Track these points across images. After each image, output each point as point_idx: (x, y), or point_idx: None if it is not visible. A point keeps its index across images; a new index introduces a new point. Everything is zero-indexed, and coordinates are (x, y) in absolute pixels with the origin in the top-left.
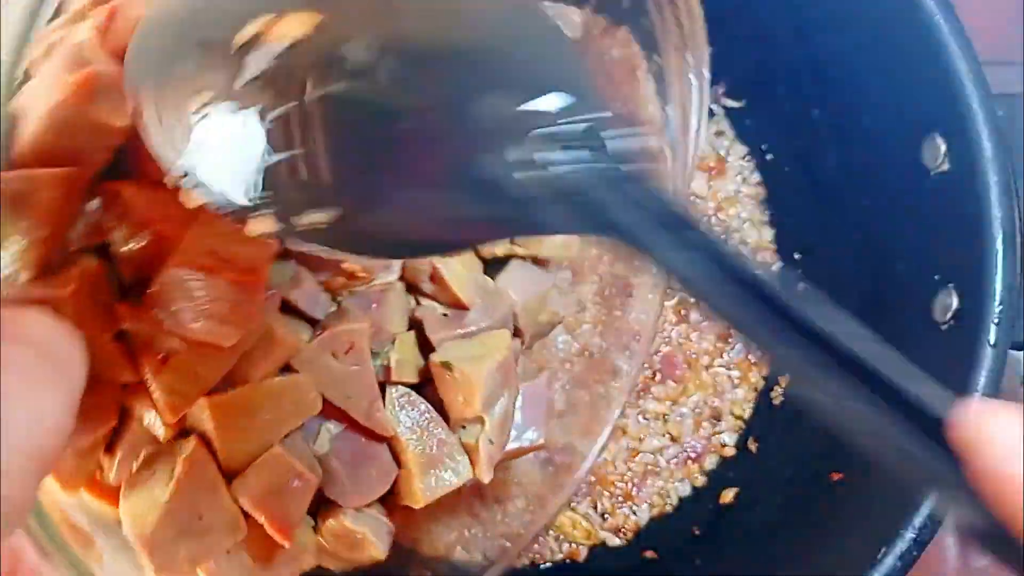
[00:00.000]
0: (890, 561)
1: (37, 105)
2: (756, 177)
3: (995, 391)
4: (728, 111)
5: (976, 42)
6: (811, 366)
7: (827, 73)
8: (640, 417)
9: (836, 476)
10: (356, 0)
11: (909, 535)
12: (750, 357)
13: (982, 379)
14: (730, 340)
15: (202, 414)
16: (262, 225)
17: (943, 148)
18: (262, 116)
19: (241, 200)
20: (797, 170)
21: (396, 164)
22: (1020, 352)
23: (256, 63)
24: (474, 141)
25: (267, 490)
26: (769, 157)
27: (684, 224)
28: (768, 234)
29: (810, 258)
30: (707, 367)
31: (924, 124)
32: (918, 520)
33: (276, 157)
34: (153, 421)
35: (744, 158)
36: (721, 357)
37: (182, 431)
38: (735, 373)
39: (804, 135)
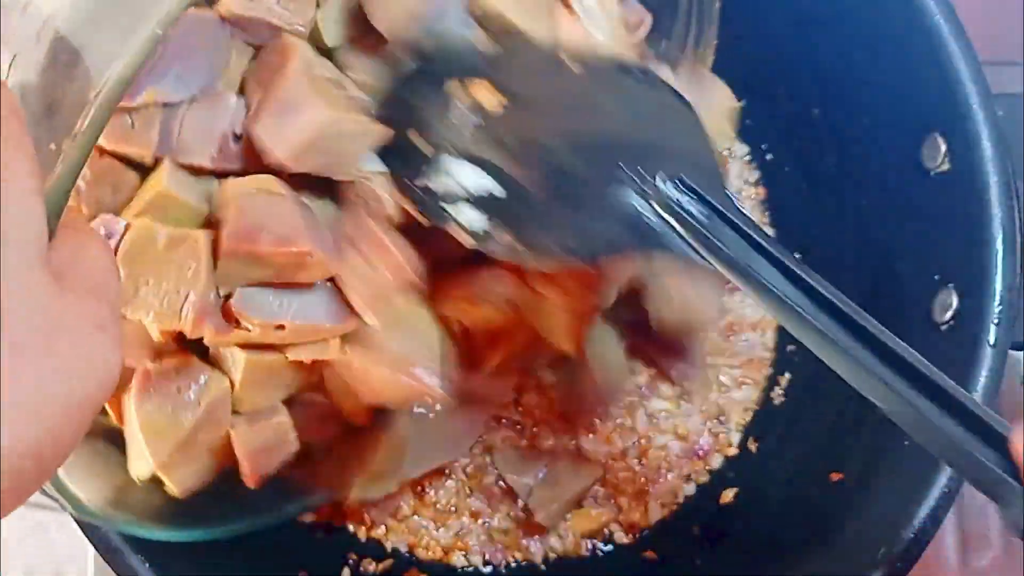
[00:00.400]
0: (890, 561)
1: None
2: (756, 177)
3: (995, 391)
4: None
5: (976, 42)
6: (900, 391)
7: (827, 73)
8: (647, 416)
9: (836, 476)
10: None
11: (909, 535)
12: (753, 356)
13: (982, 379)
14: (730, 338)
15: (234, 364)
16: (464, 237)
17: (943, 148)
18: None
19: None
20: (797, 170)
21: (570, 200)
22: (1020, 352)
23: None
24: (625, 187)
25: (261, 447)
26: (769, 157)
27: (794, 266)
28: (768, 234)
29: (810, 258)
30: (709, 366)
31: (924, 124)
32: (918, 520)
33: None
34: (150, 325)
35: (744, 158)
36: (723, 356)
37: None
38: (737, 372)
39: (804, 135)
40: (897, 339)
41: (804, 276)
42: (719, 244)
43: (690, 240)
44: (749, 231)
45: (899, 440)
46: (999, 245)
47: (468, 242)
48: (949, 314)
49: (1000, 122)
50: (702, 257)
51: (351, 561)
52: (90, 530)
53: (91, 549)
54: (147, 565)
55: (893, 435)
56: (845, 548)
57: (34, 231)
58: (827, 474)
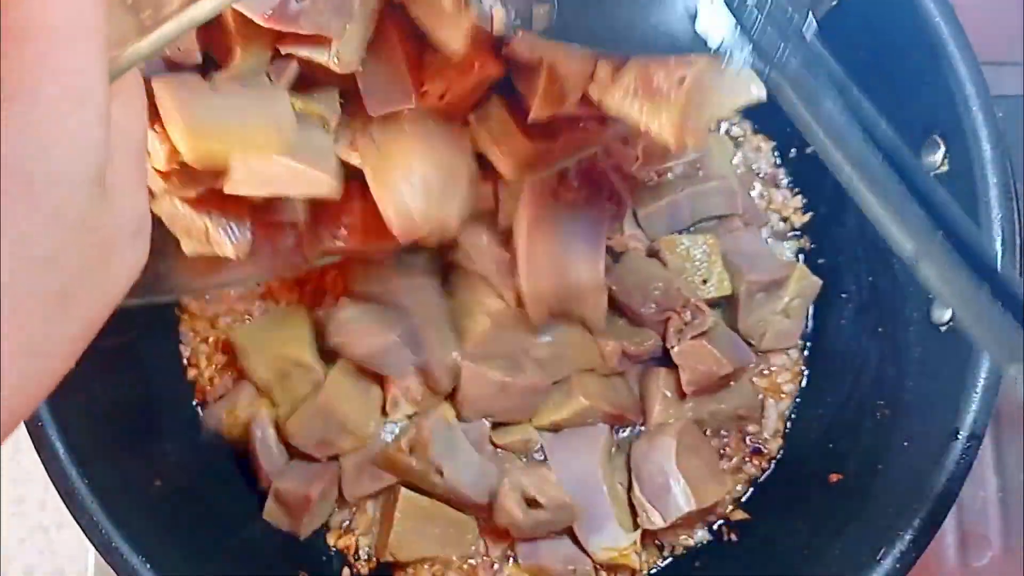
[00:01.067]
0: (890, 561)
1: None
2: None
3: (994, 392)
4: None
5: (976, 42)
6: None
7: None
8: None
9: (836, 477)
10: None
11: (909, 535)
12: None
13: (981, 380)
14: None
15: None
16: (499, 16)
17: (942, 149)
18: None
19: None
20: (796, 171)
21: None
22: None
23: None
24: None
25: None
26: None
27: (839, 79)
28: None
29: (810, 258)
30: None
31: (924, 125)
32: (918, 520)
33: None
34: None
35: (746, 154)
36: None
37: None
38: None
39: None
40: (931, 181)
41: (867, 112)
42: (783, 58)
43: (751, 49)
44: (818, 52)
45: (899, 440)
46: (999, 246)
47: (499, 24)
48: (949, 315)
49: (1000, 123)
50: (760, 68)
51: (351, 561)
52: (90, 530)
53: (91, 549)
54: (147, 565)
55: (893, 435)
56: (845, 548)
57: (94, 144)
58: (827, 474)
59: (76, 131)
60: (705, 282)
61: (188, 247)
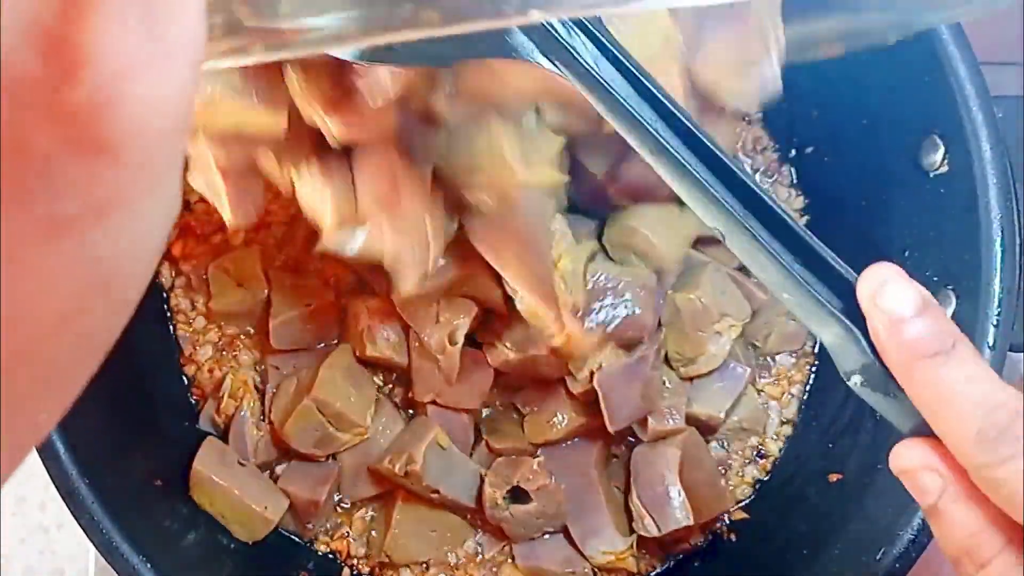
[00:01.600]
0: (890, 561)
1: None
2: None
3: None
4: None
5: (975, 42)
6: (741, 220)
7: (827, 73)
8: None
9: (836, 477)
10: None
11: (909, 535)
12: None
13: None
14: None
15: None
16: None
17: (942, 149)
18: None
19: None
20: (796, 171)
21: None
22: (1019, 354)
23: None
24: None
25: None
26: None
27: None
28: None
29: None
30: None
31: (923, 125)
32: (917, 520)
33: None
34: None
35: (744, 159)
36: None
37: None
38: None
39: (803, 136)
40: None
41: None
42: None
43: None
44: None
45: (899, 440)
46: (998, 247)
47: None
48: (950, 312)
49: (999, 123)
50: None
51: (351, 563)
52: (90, 530)
53: (91, 549)
54: (147, 565)
55: (893, 435)
56: (845, 548)
57: (169, 226)
58: (827, 474)
59: (161, 228)
60: None
61: (191, 179)
